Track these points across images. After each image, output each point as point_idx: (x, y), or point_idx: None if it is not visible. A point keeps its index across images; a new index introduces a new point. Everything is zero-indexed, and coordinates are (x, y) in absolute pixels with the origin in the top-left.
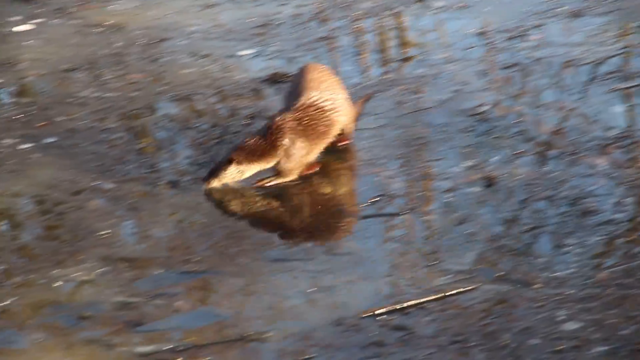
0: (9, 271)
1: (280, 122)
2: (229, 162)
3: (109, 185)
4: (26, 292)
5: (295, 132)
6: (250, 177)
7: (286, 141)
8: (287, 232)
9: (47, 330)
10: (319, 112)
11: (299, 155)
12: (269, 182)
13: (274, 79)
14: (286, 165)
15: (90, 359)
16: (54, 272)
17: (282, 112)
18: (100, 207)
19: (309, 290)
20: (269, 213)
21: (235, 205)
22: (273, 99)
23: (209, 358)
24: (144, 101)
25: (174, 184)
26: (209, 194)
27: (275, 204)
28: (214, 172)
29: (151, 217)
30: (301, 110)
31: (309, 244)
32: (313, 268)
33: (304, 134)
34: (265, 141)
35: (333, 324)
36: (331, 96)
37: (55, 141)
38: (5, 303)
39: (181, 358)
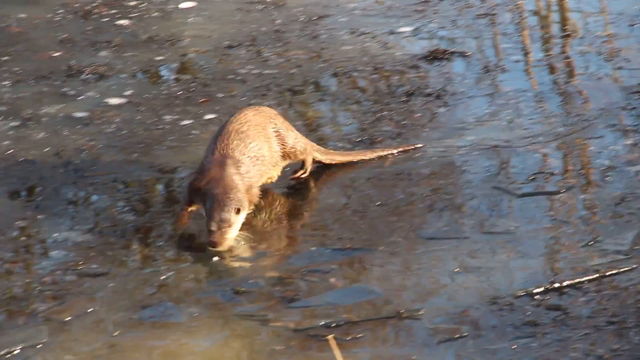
0: (165, 247)
1: (220, 157)
2: (237, 211)
3: None
4: (185, 266)
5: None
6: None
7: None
8: (442, 210)
9: (204, 304)
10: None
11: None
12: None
13: (434, 56)
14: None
15: (246, 333)
16: (210, 248)
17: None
18: None
19: (462, 269)
20: (423, 192)
21: (389, 184)
22: (432, 76)
23: (362, 335)
24: (304, 78)
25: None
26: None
27: (429, 182)
28: (224, 226)
29: (309, 193)
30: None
31: (464, 223)
32: (467, 246)
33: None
34: (232, 175)
35: (487, 303)
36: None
37: (215, 117)
38: (163, 277)
39: (335, 334)
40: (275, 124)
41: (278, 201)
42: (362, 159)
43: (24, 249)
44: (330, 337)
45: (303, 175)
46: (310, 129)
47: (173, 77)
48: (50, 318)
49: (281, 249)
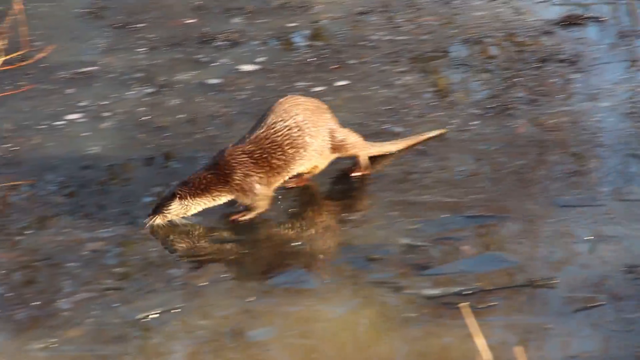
0: (300, 214)
1: (229, 157)
2: (172, 197)
3: (398, 129)
4: (318, 233)
5: (246, 167)
6: (198, 212)
7: (237, 177)
8: (576, 177)
9: (337, 271)
10: (273, 145)
11: (255, 189)
12: (243, 217)
13: (567, 22)
14: (249, 201)
15: (378, 301)
16: (343, 214)
17: (233, 145)
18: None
19: (597, 237)
20: (556, 158)
21: (522, 150)
22: (566, 42)
23: (495, 303)
24: (436, 44)
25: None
26: (154, 230)
27: (563, 148)
28: (158, 208)
29: (441, 161)
30: (253, 143)
31: (599, 190)
32: (603, 214)
33: (257, 167)
34: (214, 176)
35: (623, 272)
36: (291, 130)
37: (346, 84)
38: (297, 243)
39: (468, 302)
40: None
41: (408, 168)
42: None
43: None
44: (463, 305)
45: (360, 173)
46: (442, 96)
47: (305, 43)
48: (186, 283)
49: (413, 217)
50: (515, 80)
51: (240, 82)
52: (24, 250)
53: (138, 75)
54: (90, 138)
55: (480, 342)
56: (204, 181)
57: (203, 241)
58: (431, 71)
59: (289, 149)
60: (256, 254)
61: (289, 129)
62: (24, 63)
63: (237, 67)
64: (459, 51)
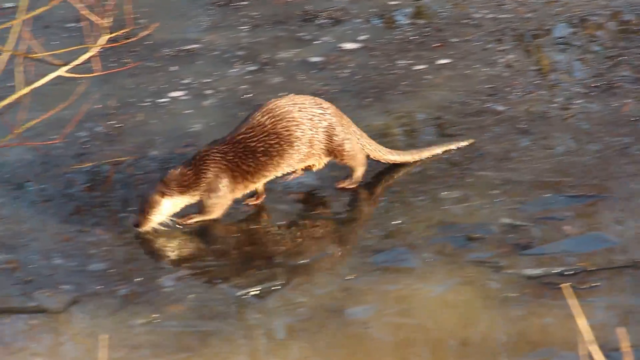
0: (399, 192)
1: (205, 153)
2: (161, 196)
3: (500, 107)
4: (418, 212)
5: (220, 167)
6: (175, 213)
7: (210, 175)
8: None
9: (437, 249)
10: (246, 150)
11: (222, 192)
12: (191, 219)
13: None
14: (208, 201)
15: (478, 280)
16: (443, 193)
17: (212, 143)
18: (489, 129)
19: None
20: None
21: (626, 131)
22: None
23: (597, 284)
24: (539, 22)
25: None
26: (144, 236)
27: None
28: (146, 213)
29: (543, 140)
30: (229, 144)
31: None
32: None
33: (229, 169)
34: (191, 171)
35: None
36: (269, 137)
37: (448, 62)
38: (397, 222)
39: (570, 283)
40: (330, 117)
41: (509, 146)
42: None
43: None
44: (564, 285)
45: (349, 187)
46: (545, 75)
47: (407, 22)
48: (286, 261)
49: (514, 196)
50: (620, 59)
51: (342, 60)
52: (126, 227)
53: (240, 53)
54: (192, 115)
55: (582, 322)
56: (184, 176)
57: (303, 219)
58: (534, 50)
59: (260, 156)
60: (356, 232)
61: (266, 136)
62: (128, 40)
63: (339, 45)
64: (562, 30)
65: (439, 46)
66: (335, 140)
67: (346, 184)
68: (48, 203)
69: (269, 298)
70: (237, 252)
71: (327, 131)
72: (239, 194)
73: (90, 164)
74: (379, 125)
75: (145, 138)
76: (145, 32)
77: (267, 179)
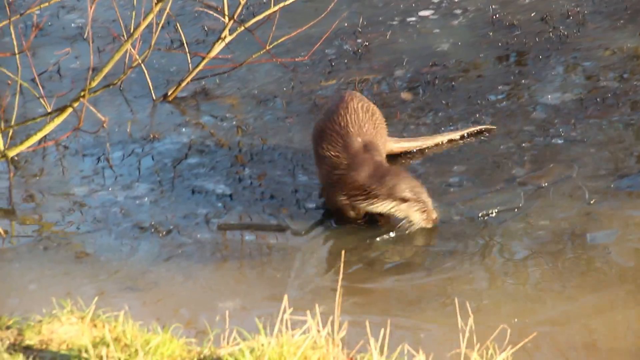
0: (620, 119)
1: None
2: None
3: None
4: None
5: None
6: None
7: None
8: None
9: None
10: None
11: None
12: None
13: None
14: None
15: None
16: None
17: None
18: None
19: None
20: None
21: None
22: None
23: None
24: None
25: None
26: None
27: None
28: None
29: None
30: None
31: None
32: None
33: None
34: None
35: None
36: None
37: None
38: None
39: None
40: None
41: None
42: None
43: (505, 115)
44: None
45: None
46: None
47: None
48: (527, 183)
49: None
50: None
51: None
52: None
53: None
54: (440, 35)
55: None
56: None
57: (548, 140)
58: None
59: None
60: (601, 155)
61: None
62: None
63: None
64: None
65: None
66: None
67: None
68: (294, 119)
69: (509, 220)
70: (477, 174)
71: None
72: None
73: (337, 81)
74: (631, 48)
75: (393, 57)
76: None
77: None
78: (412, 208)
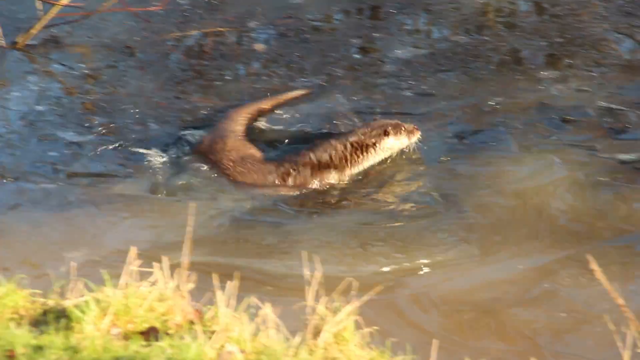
0: (470, 73)
1: None
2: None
3: None
4: (514, 91)
5: None
6: None
7: None
8: None
9: (532, 130)
10: None
11: None
12: None
13: None
14: None
15: (572, 161)
16: (543, 73)
17: None
18: (592, 11)
19: None
20: None
21: None
22: None
23: None
24: None
25: None
26: None
27: None
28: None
29: None
30: None
31: None
32: None
33: None
34: None
35: None
36: None
37: None
38: (492, 102)
39: None
40: None
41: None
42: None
43: (358, 68)
44: None
45: None
46: None
47: None
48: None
49: (615, 80)
50: None
51: None
52: (220, 97)
53: None
54: None
55: None
56: None
57: None
58: None
59: None
60: (447, 108)
61: None
62: None
63: None
64: None
65: None
66: None
67: None
68: (146, 69)
69: (363, 179)
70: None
71: None
72: None
73: (191, 32)
74: (480, 3)
75: (247, 8)
76: None
77: None
78: (398, 136)
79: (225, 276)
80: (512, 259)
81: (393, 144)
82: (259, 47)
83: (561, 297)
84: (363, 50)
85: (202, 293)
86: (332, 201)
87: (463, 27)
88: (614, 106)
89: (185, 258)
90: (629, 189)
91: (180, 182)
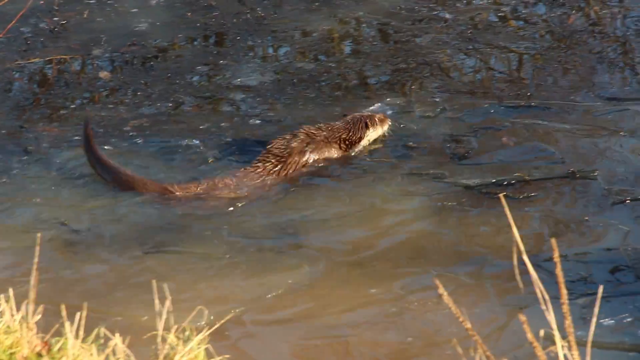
0: (316, 100)
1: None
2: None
3: (446, 15)
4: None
5: None
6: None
7: None
8: (632, 68)
9: (378, 157)
10: None
11: None
12: None
13: None
14: None
15: (417, 190)
16: (387, 100)
17: None
18: (435, 37)
19: (628, 133)
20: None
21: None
22: None
23: (534, 194)
24: None
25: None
26: None
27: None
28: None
29: (487, 48)
30: None
31: None
32: None
33: None
34: None
35: None
36: None
37: None
38: None
39: (506, 192)
40: None
41: (461, 54)
42: None
43: (204, 95)
44: (501, 195)
45: None
46: None
47: None
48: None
49: (457, 105)
50: None
51: None
52: (69, 125)
53: None
54: (138, 14)
55: (515, 232)
56: None
57: None
58: None
59: None
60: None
61: None
62: None
63: None
64: None
65: None
66: None
67: None
68: None
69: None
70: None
71: None
72: None
73: (34, 60)
74: (326, 30)
75: (91, 35)
76: None
77: None
78: (375, 127)
79: (76, 308)
80: (361, 284)
81: (372, 135)
82: (104, 74)
83: (410, 322)
84: (209, 77)
85: (50, 324)
86: (186, 231)
87: (309, 53)
88: (455, 133)
89: (32, 290)
90: (474, 214)
91: (33, 212)
